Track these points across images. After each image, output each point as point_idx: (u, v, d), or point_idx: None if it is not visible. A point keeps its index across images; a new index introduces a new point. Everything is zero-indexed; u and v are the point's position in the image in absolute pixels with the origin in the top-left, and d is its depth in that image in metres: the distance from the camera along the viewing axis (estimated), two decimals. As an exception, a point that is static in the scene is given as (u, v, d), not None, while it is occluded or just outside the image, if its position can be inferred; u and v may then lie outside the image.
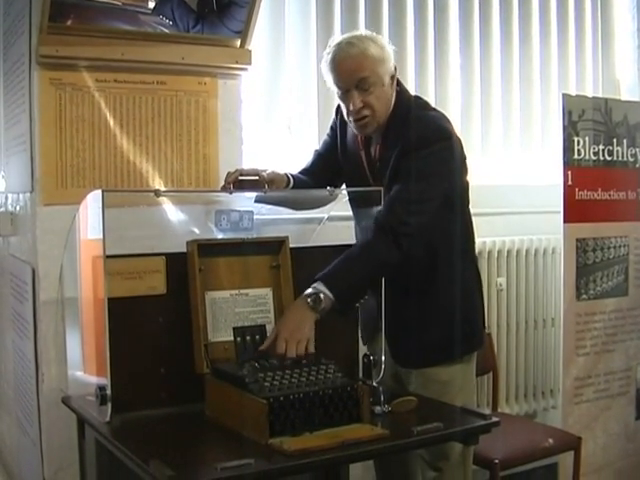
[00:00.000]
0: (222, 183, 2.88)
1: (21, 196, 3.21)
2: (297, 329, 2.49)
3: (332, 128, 3.10)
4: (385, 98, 2.80)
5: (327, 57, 2.79)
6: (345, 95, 2.78)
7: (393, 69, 2.82)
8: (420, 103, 2.96)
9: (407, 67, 4.05)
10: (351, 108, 2.77)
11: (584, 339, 3.88)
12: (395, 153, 2.75)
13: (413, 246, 2.68)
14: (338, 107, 3.03)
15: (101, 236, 2.32)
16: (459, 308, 2.87)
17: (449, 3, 4.24)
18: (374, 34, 2.86)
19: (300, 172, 3.06)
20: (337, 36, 2.99)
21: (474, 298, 2.98)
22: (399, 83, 2.89)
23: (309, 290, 2.55)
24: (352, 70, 2.73)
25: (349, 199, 2.97)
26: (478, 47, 4.32)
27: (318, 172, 3.06)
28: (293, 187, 2.93)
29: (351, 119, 2.81)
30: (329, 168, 3.05)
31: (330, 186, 2.88)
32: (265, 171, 2.85)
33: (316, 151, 3.15)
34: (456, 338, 2.87)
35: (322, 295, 2.53)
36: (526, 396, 4.33)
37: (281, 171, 2.93)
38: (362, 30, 3.03)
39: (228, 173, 2.83)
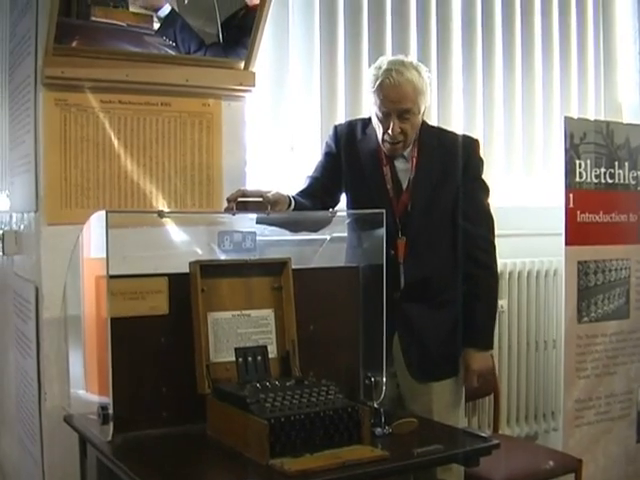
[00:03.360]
0: (225, 204, 2.91)
1: (25, 215, 3.23)
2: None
3: (328, 153, 3.20)
4: (417, 124, 3.01)
5: (374, 78, 2.94)
6: (384, 119, 2.95)
7: (429, 98, 3.03)
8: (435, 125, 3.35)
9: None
10: (390, 133, 2.94)
11: (585, 361, 3.89)
12: (448, 163, 3.05)
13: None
14: (335, 129, 3.19)
15: (104, 256, 2.34)
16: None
17: (451, 26, 4.27)
18: (419, 63, 3.03)
19: (298, 194, 3.10)
20: (386, 55, 3.24)
21: None
22: None
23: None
24: (397, 100, 2.92)
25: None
26: (480, 70, 4.35)
27: (316, 195, 3.12)
28: (294, 209, 2.98)
29: (386, 139, 2.98)
30: (326, 191, 3.15)
31: (326, 208, 3.05)
32: (269, 192, 2.89)
33: (310, 176, 3.21)
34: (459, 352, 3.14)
35: None
36: (527, 418, 4.33)
37: (284, 192, 2.97)
38: (409, 57, 3.13)
39: (231, 195, 2.87)
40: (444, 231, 3.06)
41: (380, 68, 2.94)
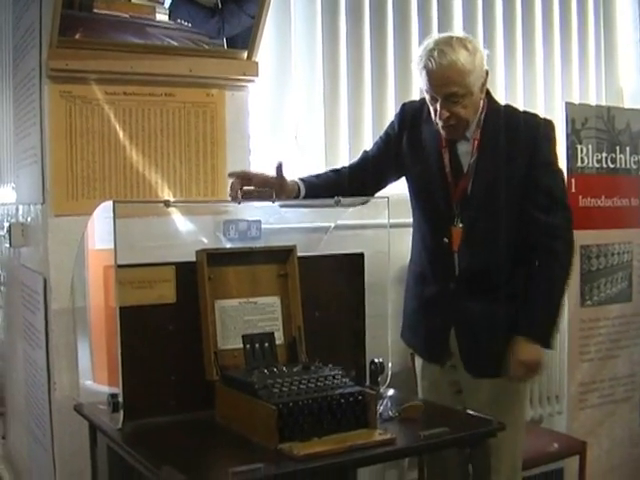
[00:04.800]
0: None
1: (32, 207, 3.26)
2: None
3: (387, 133, 3.08)
4: (474, 105, 2.81)
5: (419, 59, 2.77)
6: (432, 102, 2.80)
7: (484, 75, 2.80)
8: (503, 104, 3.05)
9: (412, 76, 4.08)
10: (439, 116, 2.78)
11: (589, 345, 3.91)
12: (520, 147, 2.83)
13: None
14: (403, 107, 3.06)
15: (111, 246, 2.36)
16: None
17: (453, 12, 4.28)
18: (467, 37, 2.82)
19: (337, 169, 3.08)
20: (433, 34, 3.00)
21: None
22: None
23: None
24: (442, 84, 2.72)
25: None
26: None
27: (356, 174, 3.04)
28: (306, 194, 2.91)
29: (438, 123, 2.82)
30: (370, 172, 3.04)
31: (365, 189, 2.96)
32: (273, 177, 2.82)
33: (363, 153, 3.13)
34: None
35: None
36: (532, 401, 4.35)
37: (291, 178, 2.91)
38: (456, 32, 2.99)
39: (232, 183, 2.80)
40: (507, 220, 2.84)
41: (425, 48, 2.75)
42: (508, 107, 3.01)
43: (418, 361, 3.13)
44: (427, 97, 2.81)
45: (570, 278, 2.95)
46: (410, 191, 3.05)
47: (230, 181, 2.82)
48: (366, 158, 3.09)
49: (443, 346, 2.90)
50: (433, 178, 2.91)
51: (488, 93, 2.91)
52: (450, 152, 2.89)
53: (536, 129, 2.87)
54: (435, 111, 2.79)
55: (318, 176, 3.03)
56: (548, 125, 2.92)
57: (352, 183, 2.98)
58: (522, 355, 2.80)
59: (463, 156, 2.89)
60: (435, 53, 2.70)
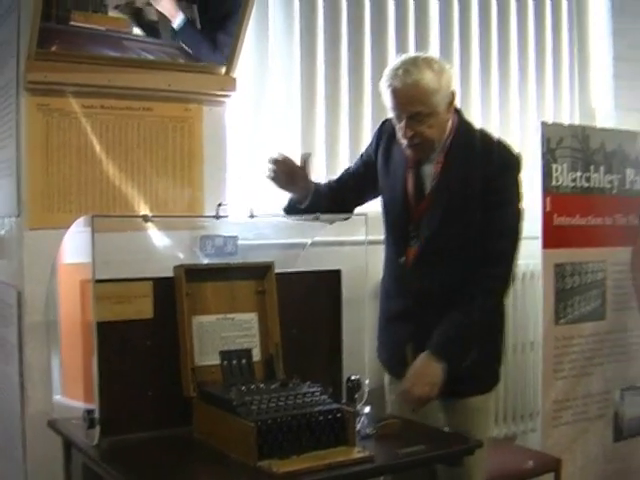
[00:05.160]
0: (207, 208, 2.94)
1: (7, 220, 3.22)
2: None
3: (367, 150, 3.12)
4: (439, 125, 2.80)
5: (385, 78, 2.78)
6: (397, 121, 2.81)
7: (450, 94, 2.81)
8: (479, 128, 3.01)
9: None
10: (403, 135, 2.80)
11: (563, 362, 3.93)
12: (478, 175, 2.79)
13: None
14: (382, 124, 3.06)
15: (87, 260, 2.35)
16: (499, 336, 2.98)
17: (429, 32, 4.30)
18: (433, 57, 2.84)
19: (328, 183, 3.14)
20: (405, 54, 2.95)
21: (504, 326, 3.03)
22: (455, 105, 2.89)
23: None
24: (405, 103, 2.74)
25: None
26: (458, 77, 4.36)
27: (338, 189, 3.09)
28: (312, 197, 2.99)
29: (403, 142, 2.83)
30: (350, 187, 3.10)
31: (346, 205, 3.01)
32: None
33: (346, 169, 3.20)
34: (496, 365, 3.00)
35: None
36: (505, 419, 4.36)
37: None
38: (423, 52, 2.99)
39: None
40: (460, 244, 2.82)
41: (391, 68, 2.78)
42: (480, 132, 2.98)
43: (387, 376, 3.13)
44: (393, 116, 2.83)
45: (495, 312, 2.91)
46: (381, 208, 3.06)
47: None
48: (347, 174, 3.14)
49: (404, 362, 2.86)
50: (397, 198, 2.93)
51: (460, 115, 2.93)
52: (415, 173, 2.90)
53: (499, 160, 2.85)
54: (400, 130, 2.81)
55: (324, 186, 3.09)
56: (513, 159, 2.90)
57: (334, 198, 3.02)
58: (416, 365, 2.75)
59: (427, 178, 2.89)
60: (400, 72, 2.73)
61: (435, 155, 2.86)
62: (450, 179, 2.83)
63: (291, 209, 3.05)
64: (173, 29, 3.15)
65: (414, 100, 2.73)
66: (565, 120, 4.71)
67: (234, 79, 3.27)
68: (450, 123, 2.86)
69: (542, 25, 4.72)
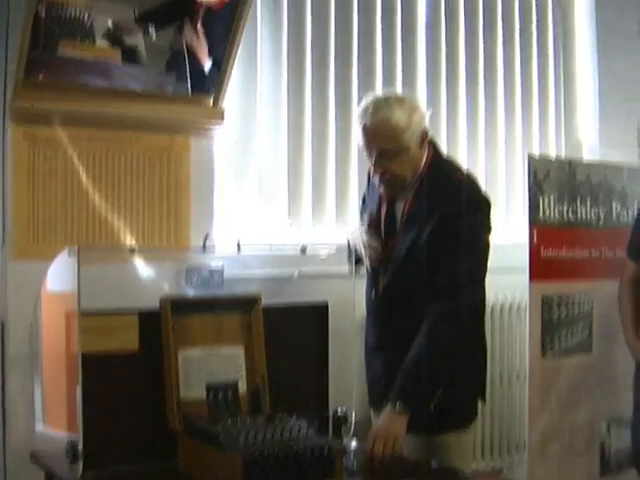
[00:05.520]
0: (193, 239, 2.91)
1: (-9, 250, 3.20)
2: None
3: (364, 195, 3.17)
4: (410, 162, 2.82)
5: (357, 117, 2.82)
6: (368, 158, 2.84)
7: (421, 133, 2.81)
8: (453, 165, 3.01)
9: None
10: (374, 172, 2.84)
11: (549, 395, 3.90)
12: (437, 215, 2.75)
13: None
14: None
15: (71, 291, 2.33)
16: (477, 370, 2.95)
17: (416, 64, 4.31)
18: (405, 96, 2.90)
19: None
20: (373, 92, 2.99)
21: (483, 359, 3.02)
22: (432, 142, 2.91)
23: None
24: (374, 140, 2.77)
25: None
26: (444, 110, 4.39)
27: None
28: None
29: (375, 180, 2.87)
30: None
31: None
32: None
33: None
34: (473, 401, 2.96)
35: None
36: (492, 451, 4.34)
37: None
38: (393, 91, 3.03)
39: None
40: (426, 279, 2.75)
41: (363, 105, 2.81)
42: (450, 169, 2.96)
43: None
44: (364, 153, 2.85)
45: (456, 343, 2.77)
46: None
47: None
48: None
49: (379, 397, 2.85)
50: (372, 234, 2.94)
51: (435, 150, 2.93)
52: (388, 210, 2.92)
53: (463, 203, 2.78)
54: (371, 167, 2.85)
55: None
56: (478, 202, 2.85)
57: None
58: (379, 422, 2.71)
59: (398, 214, 2.91)
60: (370, 109, 2.76)
61: (406, 192, 2.87)
62: (417, 216, 2.82)
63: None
64: (169, 59, 3.21)
65: (383, 137, 2.75)
66: (551, 152, 4.73)
67: (222, 110, 3.27)
68: (424, 159, 2.87)
69: (529, 59, 4.74)
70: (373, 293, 2.95)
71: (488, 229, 2.87)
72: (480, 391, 3.04)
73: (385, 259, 2.90)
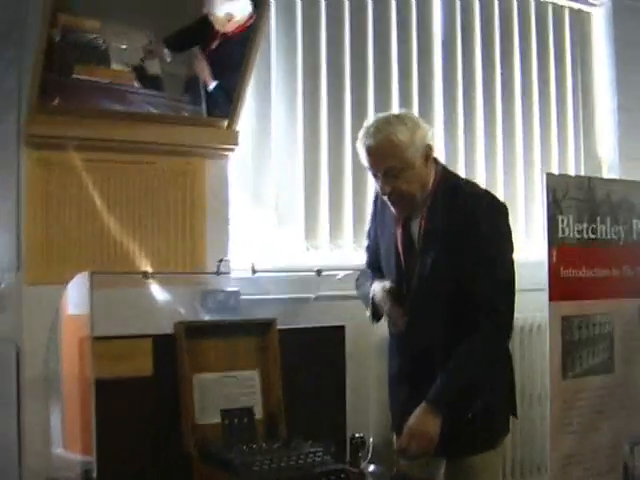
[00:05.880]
0: (209, 262, 2.89)
1: (6, 274, 3.20)
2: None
3: (371, 216, 3.10)
4: (417, 179, 2.79)
5: (359, 138, 2.81)
6: (375, 179, 2.82)
7: (425, 148, 2.79)
8: (463, 178, 3.03)
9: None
10: (382, 192, 2.81)
11: (571, 417, 3.85)
12: (459, 227, 2.74)
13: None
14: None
15: (86, 315, 2.32)
16: (510, 385, 2.93)
17: (433, 83, 4.30)
18: (408, 114, 2.88)
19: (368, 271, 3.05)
20: (370, 115, 2.97)
21: (513, 374, 2.99)
22: (436, 159, 2.89)
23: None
24: (378, 159, 2.76)
25: None
26: (462, 128, 4.36)
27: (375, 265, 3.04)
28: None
29: (386, 200, 2.83)
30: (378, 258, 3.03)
31: None
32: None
33: (366, 246, 3.14)
34: (506, 416, 2.93)
35: None
36: (514, 474, 4.29)
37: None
38: (394, 110, 3.01)
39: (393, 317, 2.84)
40: (451, 297, 2.75)
41: (365, 126, 2.81)
42: (463, 182, 2.98)
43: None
44: (371, 175, 2.84)
45: (495, 361, 2.84)
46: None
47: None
48: (370, 252, 3.10)
49: (404, 420, 2.76)
50: (390, 256, 2.91)
51: (443, 168, 2.91)
52: (404, 230, 2.88)
53: (484, 209, 2.80)
54: (379, 187, 2.82)
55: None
56: (498, 207, 2.86)
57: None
58: (411, 421, 2.67)
59: (414, 234, 2.87)
60: (372, 129, 2.77)
61: (419, 210, 2.84)
62: (434, 233, 2.80)
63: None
64: (185, 85, 3.23)
65: (386, 155, 2.75)
66: (571, 171, 4.69)
67: (237, 132, 3.26)
68: (433, 176, 2.84)
69: (546, 76, 4.71)
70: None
71: (510, 234, 2.86)
72: (512, 406, 3.01)
73: (405, 281, 2.85)
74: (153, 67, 3.18)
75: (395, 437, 2.99)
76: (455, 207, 2.79)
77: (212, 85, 3.23)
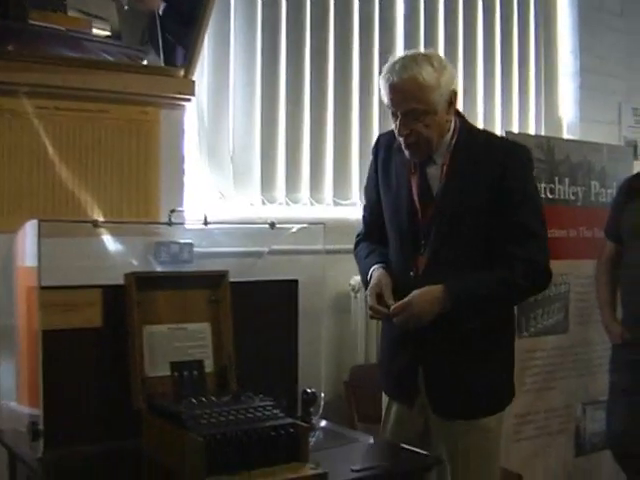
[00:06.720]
0: (163, 214, 2.85)
1: (-45, 223, 3.14)
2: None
3: (369, 175, 2.94)
4: (437, 125, 2.64)
5: (383, 73, 2.65)
6: (393, 119, 2.67)
7: (451, 93, 2.64)
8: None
9: (350, 101, 4.06)
10: (398, 133, 2.66)
11: (524, 376, 3.87)
12: (492, 173, 2.64)
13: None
14: (377, 140, 2.93)
15: (36, 265, 2.27)
16: (509, 353, 2.82)
17: (396, 41, 4.27)
18: (435, 54, 2.69)
19: (367, 230, 2.93)
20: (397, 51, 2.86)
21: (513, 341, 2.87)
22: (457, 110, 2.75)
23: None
24: (400, 98, 2.59)
25: None
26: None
27: (376, 234, 2.89)
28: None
29: (400, 142, 2.69)
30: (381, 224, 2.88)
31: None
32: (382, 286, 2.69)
33: (364, 214, 2.98)
34: (507, 385, 2.83)
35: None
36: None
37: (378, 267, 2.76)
38: (422, 49, 2.88)
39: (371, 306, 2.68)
40: (473, 250, 2.66)
41: (390, 63, 2.62)
42: (484, 132, 2.90)
43: (385, 399, 2.95)
44: (390, 113, 2.68)
45: (511, 301, 2.81)
46: (386, 224, 2.86)
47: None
48: (370, 218, 2.95)
49: (411, 385, 2.73)
50: (402, 206, 2.75)
51: (462, 117, 2.78)
52: (420, 177, 2.73)
53: (508, 155, 2.69)
54: (395, 127, 2.67)
55: (381, 255, 2.83)
56: (522, 152, 2.76)
57: (381, 241, 2.86)
58: (417, 295, 2.58)
59: (433, 181, 2.71)
60: (397, 67, 2.59)
61: (439, 156, 2.70)
62: (458, 181, 2.67)
63: None
64: (143, 35, 3.19)
65: (410, 96, 2.58)
66: (531, 131, 4.69)
67: (193, 82, 3.21)
68: (453, 122, 2.71)
69: (509, 36, 4.73)
70: (412, 272, 2.71)
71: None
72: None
73: (421, 231, 2.71)
74: (110, 14, 3.11)
75: (388, 401, 2.91)
76: (482, 156, 2.68)
77: (162, 6, 3.18)
